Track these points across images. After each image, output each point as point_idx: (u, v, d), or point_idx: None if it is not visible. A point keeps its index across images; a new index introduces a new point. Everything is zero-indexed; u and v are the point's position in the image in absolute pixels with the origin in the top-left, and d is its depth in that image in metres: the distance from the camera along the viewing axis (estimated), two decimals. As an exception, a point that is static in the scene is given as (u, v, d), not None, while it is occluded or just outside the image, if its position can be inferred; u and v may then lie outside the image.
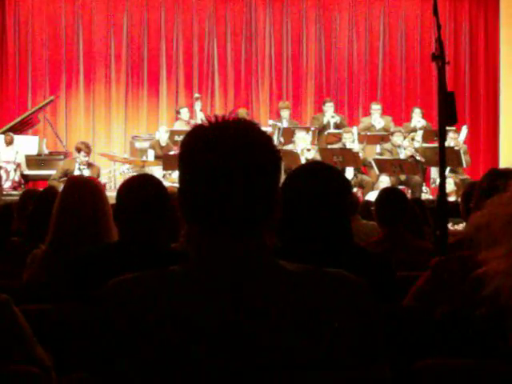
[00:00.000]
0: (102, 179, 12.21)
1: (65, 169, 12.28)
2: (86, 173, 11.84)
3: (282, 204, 1.64)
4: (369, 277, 1.70)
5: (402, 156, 12.64)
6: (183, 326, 1.51)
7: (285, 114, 14.20)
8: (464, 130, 13.65)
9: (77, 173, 11.85)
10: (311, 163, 3.27)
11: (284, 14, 15.94)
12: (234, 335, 1.51)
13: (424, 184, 12.89)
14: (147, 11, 15.67)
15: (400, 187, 11.42)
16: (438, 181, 11.65)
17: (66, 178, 11.27)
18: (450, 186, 11.95)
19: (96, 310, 1.59)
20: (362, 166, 12.78)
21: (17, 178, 12.81)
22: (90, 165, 12.32)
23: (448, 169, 12.46)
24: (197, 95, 14.80)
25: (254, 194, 1.57)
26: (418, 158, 12.56)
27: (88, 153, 12.22)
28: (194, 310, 1.52)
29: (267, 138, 1.63)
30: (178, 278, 1.58)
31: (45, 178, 12.73)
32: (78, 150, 12.25)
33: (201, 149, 1.57)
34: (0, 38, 15.45)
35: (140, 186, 3.28)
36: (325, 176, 2.77)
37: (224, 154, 1.55)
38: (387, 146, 13.00)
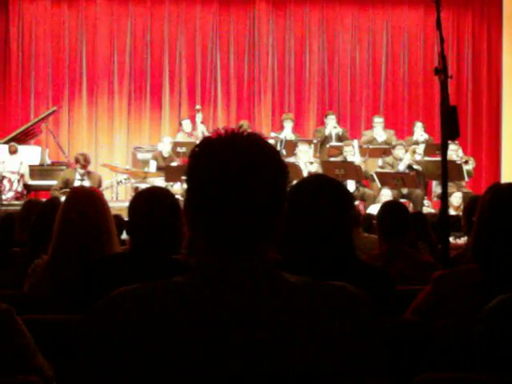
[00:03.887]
0: (104, 188, 12.17)
1: (65, 179, 12.25)
2: (87, 183, 11.82)
3: (286, 218, 1.65)
4: (369, 290, 1.70)
5: (403, 169, 12.64)
6: (187, 338, 1.51)
7: (288, 125, 14.21)
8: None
9: (77, 183, 11.84)
10: (314, 177, 3.27)
11: (287, 26, 15.97)
12: (238, 347, 1.51)
13: (425, 197, 12.88)
14: (150, 23, 15.71)
15: (402, 200, 11.42)
16: (456, 195, 11.65)
17: (66, 189, 11.32)
18: (459, 199, 11.94)
19: (98, 320, 1.59)
20: (363, 179, 12.79)
21: (19, 189, 12.81)
22: (89, 174, 12.29)
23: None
24: (198, 107, 14.79)
25: (262, 208, 1.57)
26: (415, 167, 12.55)
27: (84, 166, 12.16)
28: (197, 321, 1.52)
29: (277, 153, 1.63)
30: (182, 289, 1.57)
31: (47, 189, 12.73)
32: (76, 161, 12.27)
33: (210, 162, 1.58)
34: (4, 48, 15.48)
35: (155, 200, 3.31)
36: (327, 189, 2.78)
37: (234, 168, 1.55)
38: (389, 159, 13.01)
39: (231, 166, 1.55)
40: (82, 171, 12.14)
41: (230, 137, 1.60)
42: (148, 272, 3.08)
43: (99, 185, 12.02)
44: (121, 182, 12.70)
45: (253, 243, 1.58)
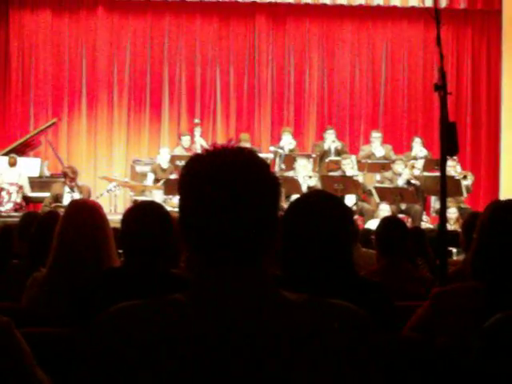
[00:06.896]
0: (94, 198, 12.11)
1: (55, 194, 12.13)
2: (77, 195, 11.71)
3: (281, 232, 1.64)
4: (368, 306, 1.70)
5: (402, 184, 12.64)
6: (184, 356, 1.50)
7: (286, 137, 14.18)
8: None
9: (66, 197, 11.75)
10: (313, 192, 3.28)
11: (287, 41, 16.00)
12: (236, 365, 1.50)
13: (424, 213, 12.88)
14: (151, 36, 15.74)
15: (400, 216, 11.42)
16: (450, 211, 11.62)
17: (57, 204, 11.29)
18: (452, 215, 11.91)
19: (97, 335, 1.58)
20: (362, 194, 12.79)
21: (18, 200, 12.81)
22: (78, 186, 12.17)
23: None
24: (197, 121, 14.79)
25: (254, 222, 1.56)
26: (413, 181, 12.56)
27: (73, 178, 12.05)
28: (195, 339, 1.51)
29: (265, 166, 1.63)
30: (180, 306, 1.57)
31: (46, 201, 12.73)
32: (65, 175, 12.19)
33: (199, 178, 1.58)
34: (4, 60, 15.51)
35: (148, 215, 3.30)
36: (327, 205, 2.78)
37: (222, 183, 1.55)
38: (388, 174, 13.02)
39: (220, 182, 1.55)
40: (70, 184, 12.04)
41: (218, 152, 1.60)
42: (144, 286, 3.07)
43: (89, 196, 11.95)
44: (110, 190, 12.65)
45: (248, 258, 1.58)
